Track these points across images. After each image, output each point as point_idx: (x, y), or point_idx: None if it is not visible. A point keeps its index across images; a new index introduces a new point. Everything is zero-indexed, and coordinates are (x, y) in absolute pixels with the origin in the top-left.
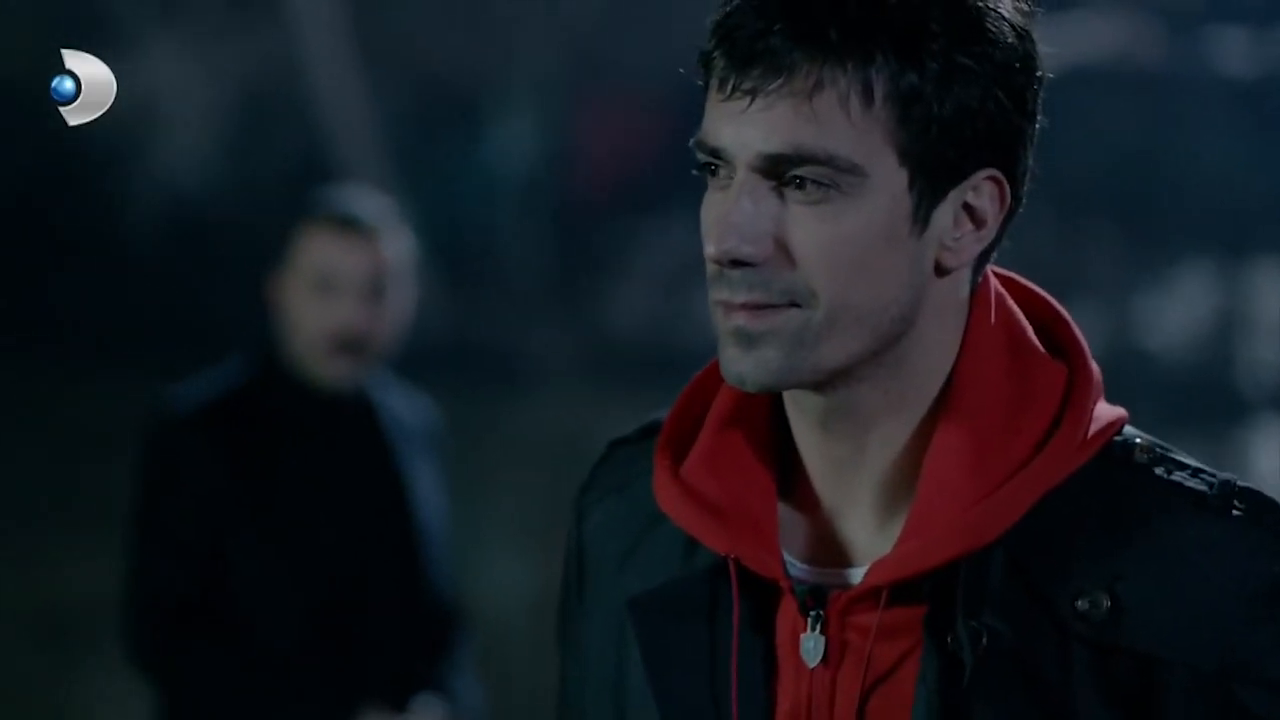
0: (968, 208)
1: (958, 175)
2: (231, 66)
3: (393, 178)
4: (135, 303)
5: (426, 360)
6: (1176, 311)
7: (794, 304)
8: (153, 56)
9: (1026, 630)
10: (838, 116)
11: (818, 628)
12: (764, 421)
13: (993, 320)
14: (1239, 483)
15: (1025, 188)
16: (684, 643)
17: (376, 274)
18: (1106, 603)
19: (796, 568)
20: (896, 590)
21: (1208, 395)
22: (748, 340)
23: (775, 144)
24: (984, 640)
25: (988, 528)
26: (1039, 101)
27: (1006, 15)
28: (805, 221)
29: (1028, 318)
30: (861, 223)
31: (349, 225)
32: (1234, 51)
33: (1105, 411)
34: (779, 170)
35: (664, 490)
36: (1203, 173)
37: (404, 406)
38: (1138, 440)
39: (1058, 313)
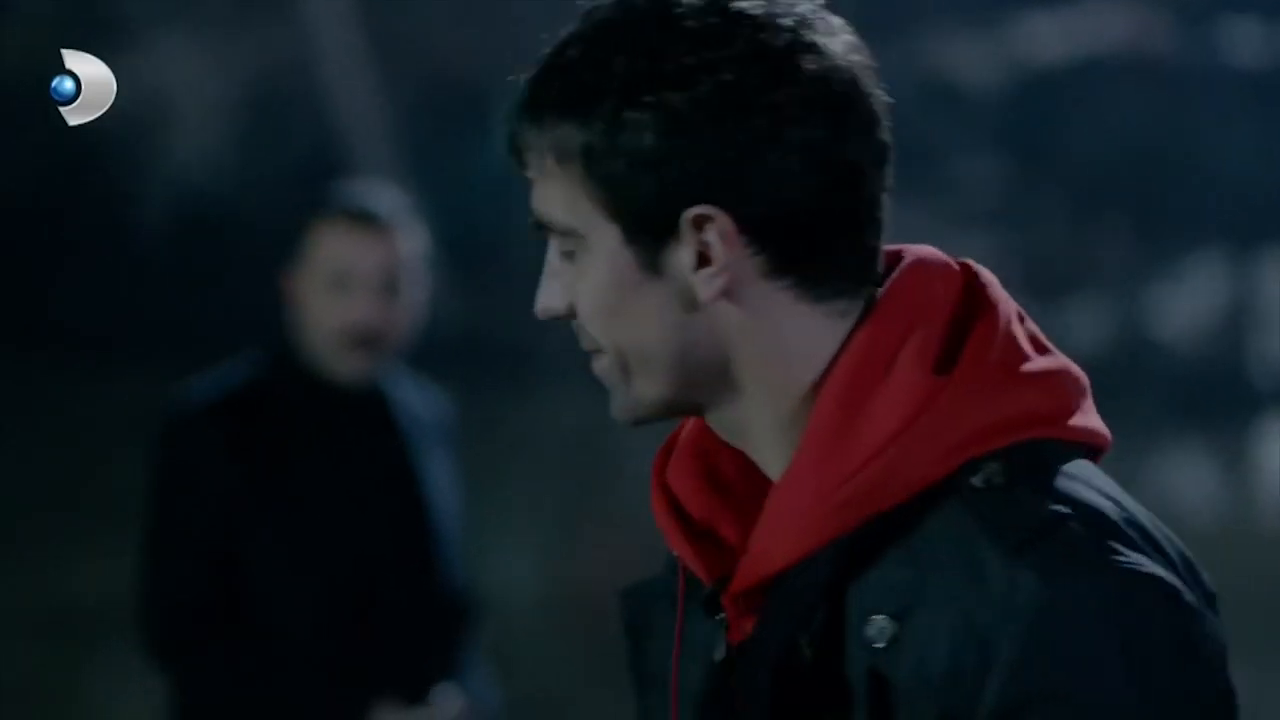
0: (702, 244)
1: (666, 220)
2: (244, 63)
3: (405, 173)
4: (149, 300)
5: (438, 355)
6: (1188, 303)
7: (600, 350)
8: (165, 54)
9: (825, 646)
10: (551, 183)
11: (719, 624)
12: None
13: (882, 333)
14: (1061, 527)
15: (790, 210)
16: (654, 631)
17: (391, 269)
18: (892, 631)
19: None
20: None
21: (1218, 387)
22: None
23: (533, 213)
24: (780, 650)
25: (805, 542)
26: (805, 116)
27: (719, 50)
28: (568, 278)
29: (964, 327)
30: (597, 278)
31: (364, 221)
32: (1245, 43)
33: (985, 428)
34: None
35: (653, 490)
36: (1214, 163)
37: (418, 401)
38: (993, 465)
39: (981, 327)
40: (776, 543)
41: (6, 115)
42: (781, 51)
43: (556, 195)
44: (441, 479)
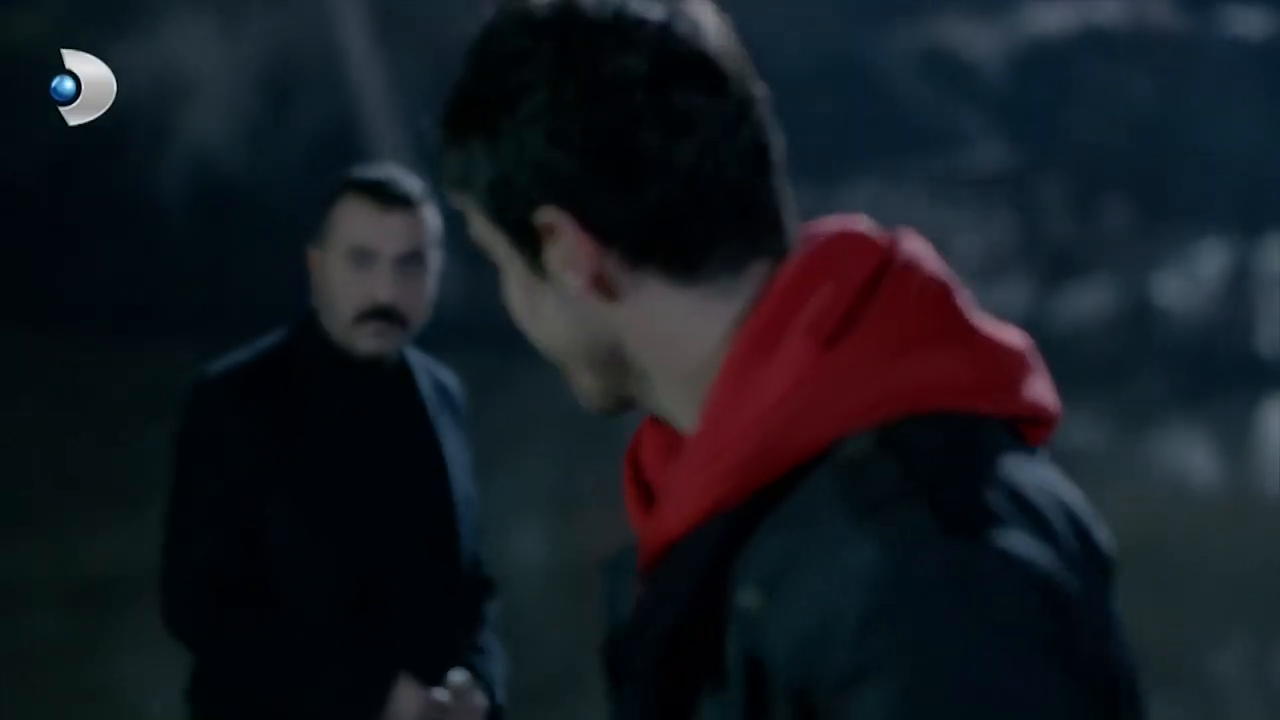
0: (562, 246)
1: (525, 227)
2: (266, 41)
3: (415, 152)
4: (171, 276)
5: (448, 331)
6: (1193, 278)
7: None
8: (187, 31)
9: (705, 620)
10: (465, 208)
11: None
12: None
13: (777, 307)
14: (911, 498)
15: (630, 209)
16: (623, 601)
17: (413, 246)
18: (761, 604)
19: None
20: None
21: (1224, 362)
22: None
23: None
24: (662, 627)
25: (690, 514)
26: (629, 124)
27: (529, 69)
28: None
29: (873, 302)
30: (510, 287)
31: (387, 198)
32: (1251, 17)
33: (866, 400)
34: None
35: (625, 463)
36: (1219, 138)
37: (437, 377)
38: (868, 438)
39: (884, 300)
40: (668, 514)
41: (25, 95)
42: (595, 62)
43: (469, 217)
44: (460, 453)
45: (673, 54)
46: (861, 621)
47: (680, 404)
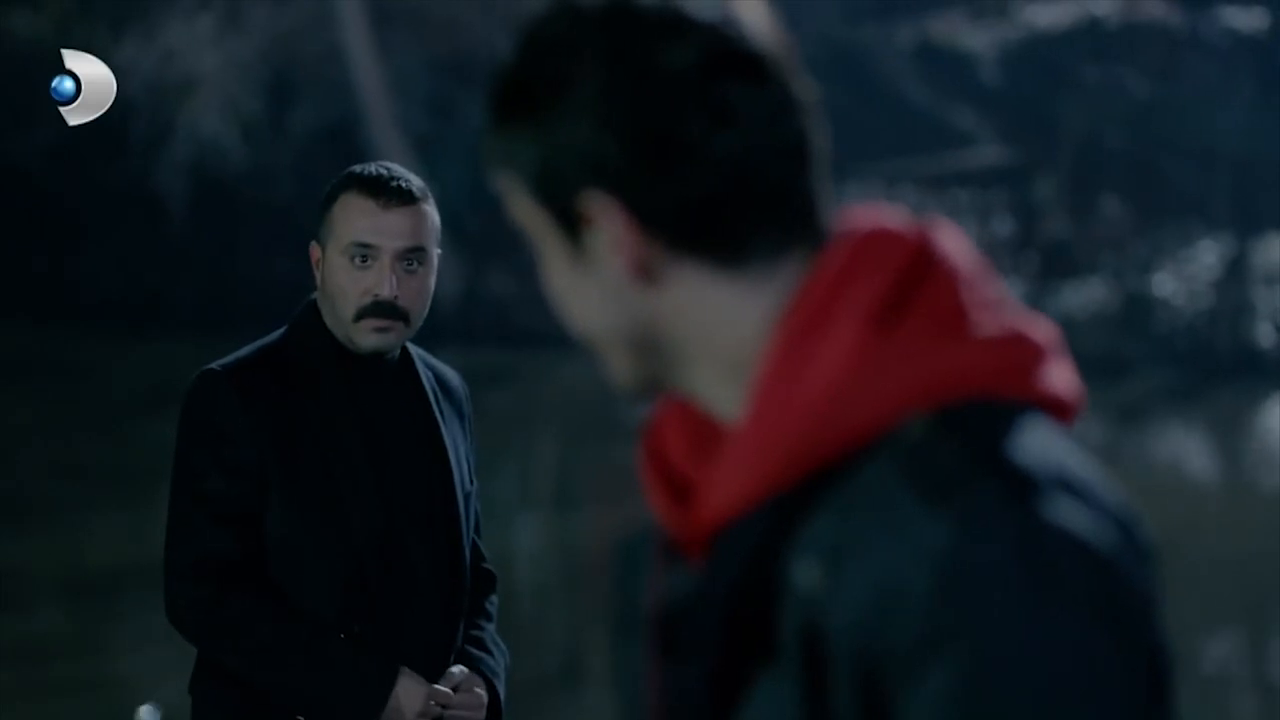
0: (607, 231)
1: (570, 211)
2: (271, 39)
3: (414, 149)
4: (174, 270)
5: (444, 326)
6: (1189, 273)
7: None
8: (192, 30)
9: (762, 598)
10: (508, 189)
11: (684, 576)
12: None
13: (821, 294)
14: (979, 479)
15: (677, 198)
16: (638, 583)
17: (414, 242)
18: (823, 582)
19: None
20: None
21: (1219, 356)
22: None
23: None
24: (721, 602)
25: (746, 496)
26: (675, 113)
27: (573, 57)
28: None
29: (913, 288)
30: (551, 270)
31: (387, 194)
32: (1245, 12)
33: (921, 385)
34: None
35: (641, 445)
36: (1215, 134)
37: (439, 373)
38: (925, 421)
39: (929, 286)
40: (722, 495)
41: (28, 89)
42: (646, 51)
43: (511, 198)
44: (461, 450)
45: (721, 47)
46: (931, 596)
47: (718, 389)
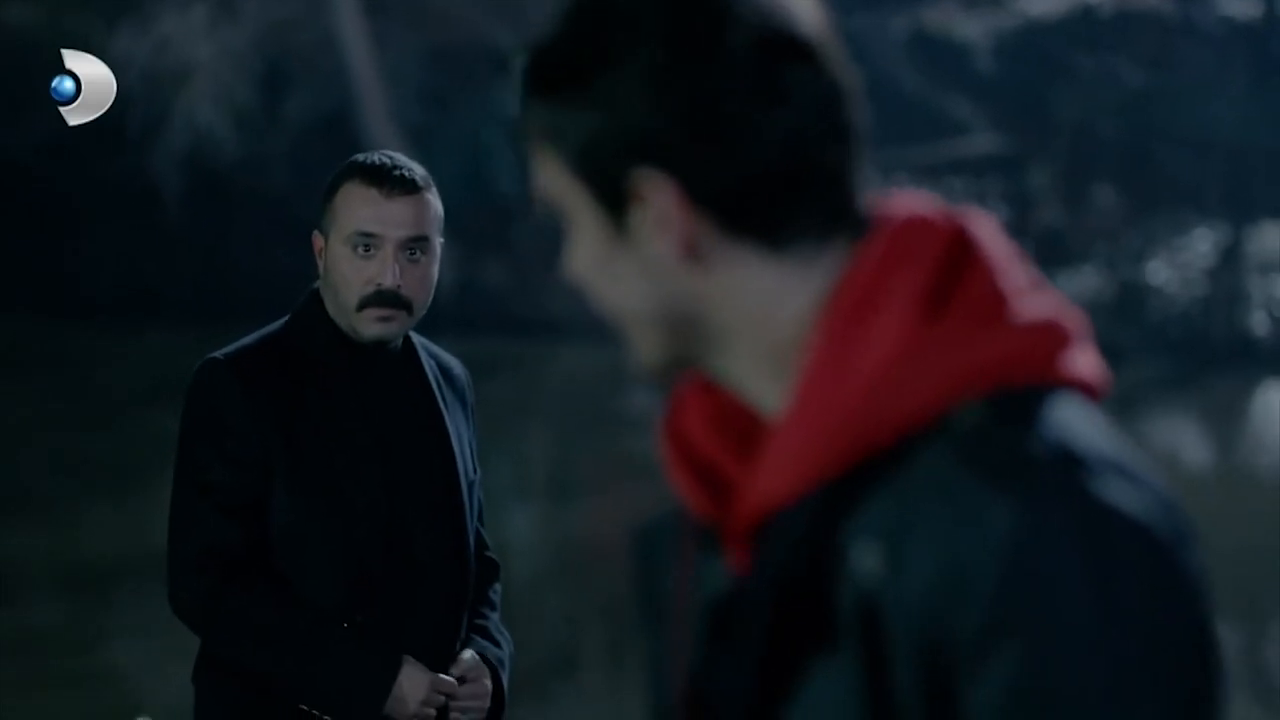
0: (656, 209)
1: (617, 187)
2: (269, 29)
3: (409, 138)
4: (170, 261)
5: (444, 314)
6: (1183, 261)
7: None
8: (189, 20)
9: (818, 582)
10: (541, 160)
11: (721, 562)
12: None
13: (867, 279)
14: (1038, 463)
15: (733, 176)
16: (662, 570)
17: (417, 231)
18: (881, 565)
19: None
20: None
21: (1214, 344)
22: None
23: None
24: (775, 587)
25: (798, 482)
26: (731, 92)
27: (638, 30)
28: (568, 248)
29: (954, 274)
30: (584, 246)
31: (390, 183)
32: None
33: (971, 371)
34: None
35: (661, 430)
36: (1208, 122)
37: (442, 362)
38: (978, 406)
39: (971, 273)
40: (771, 482)
41: (25, 82)
42: (706, 29)
43: (545, 171)
44: (464, 439)
45: (776, 30)
46: (997, 581)
47: (754, 371)
